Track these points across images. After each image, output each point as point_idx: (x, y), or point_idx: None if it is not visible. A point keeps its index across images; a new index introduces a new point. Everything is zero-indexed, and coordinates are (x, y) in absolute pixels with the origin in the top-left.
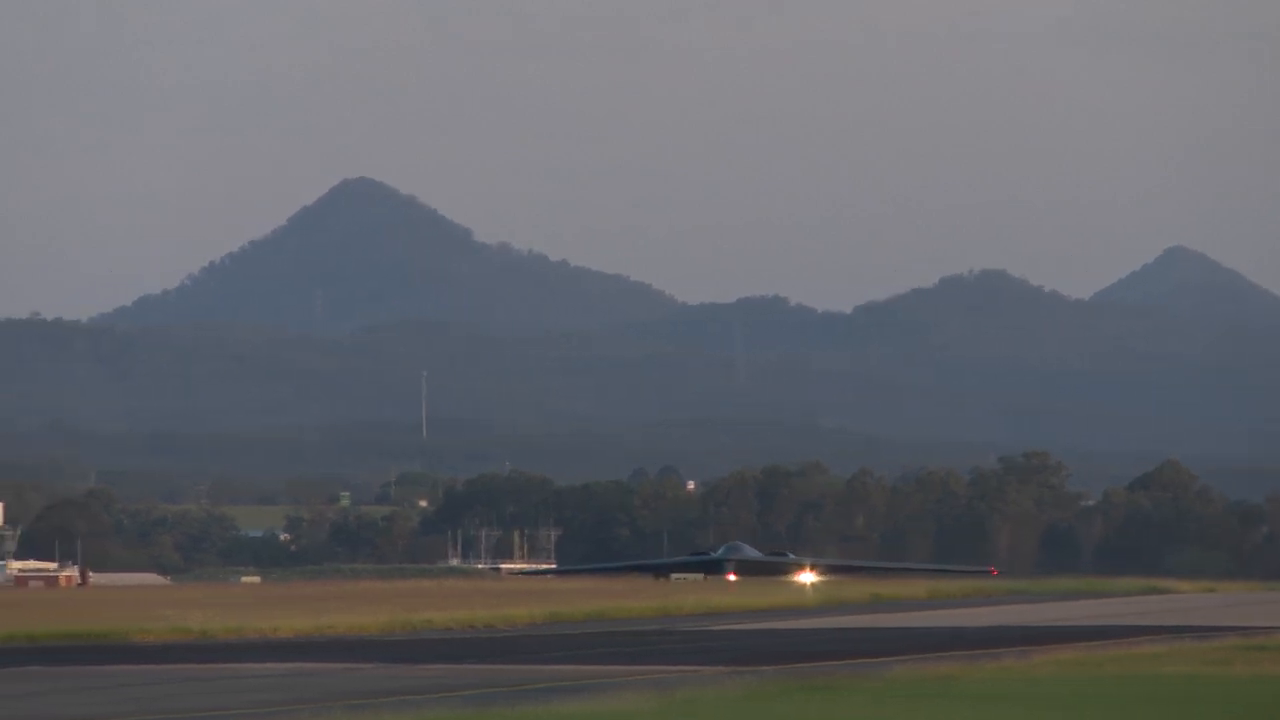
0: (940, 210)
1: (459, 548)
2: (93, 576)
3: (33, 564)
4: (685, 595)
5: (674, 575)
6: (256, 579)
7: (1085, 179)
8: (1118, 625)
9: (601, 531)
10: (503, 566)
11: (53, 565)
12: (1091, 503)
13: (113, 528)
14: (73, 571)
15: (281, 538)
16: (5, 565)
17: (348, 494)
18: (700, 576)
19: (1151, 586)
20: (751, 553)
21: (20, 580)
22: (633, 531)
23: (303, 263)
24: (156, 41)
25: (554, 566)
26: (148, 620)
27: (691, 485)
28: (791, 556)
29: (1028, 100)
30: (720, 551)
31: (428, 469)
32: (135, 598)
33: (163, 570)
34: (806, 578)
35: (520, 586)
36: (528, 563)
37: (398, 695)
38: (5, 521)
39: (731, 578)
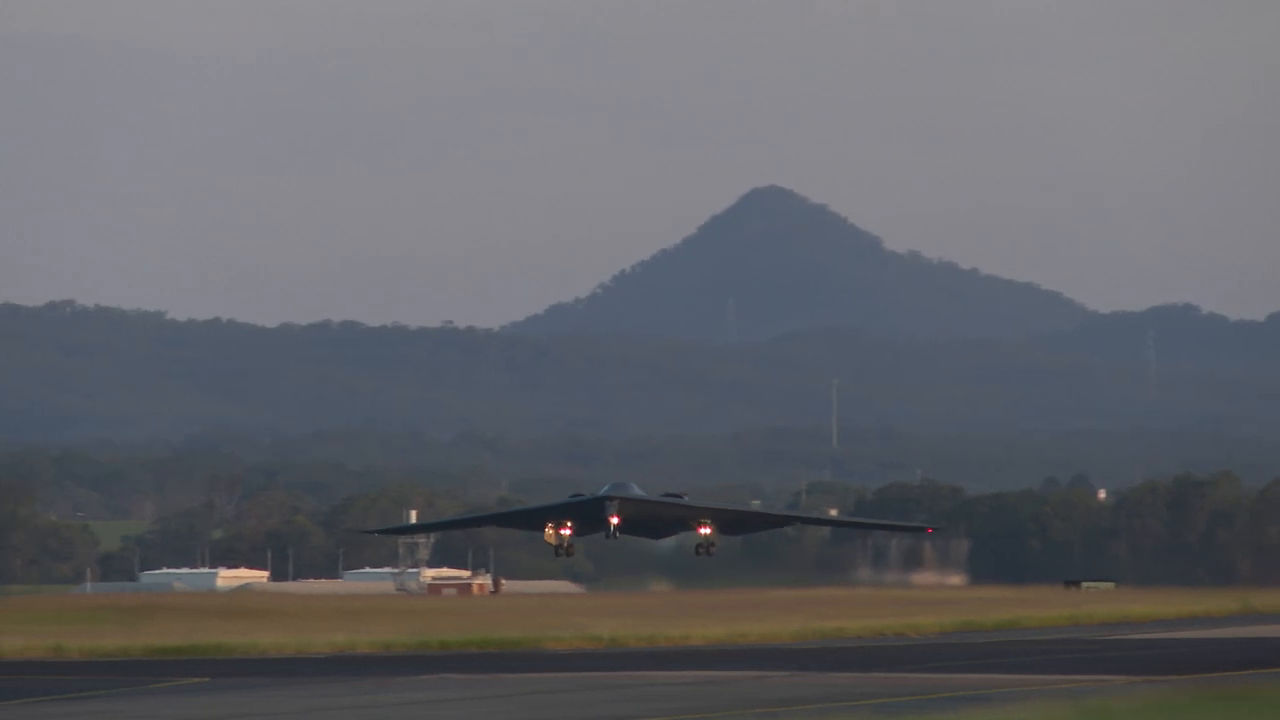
0: None
1: (870, 557)
2: (505, 584)
3: (446, 572)
4: (1097, 604)
5: (551, 524)
6: (667, 587)
7: None
8: None
9: (1013, 542)
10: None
11: (466, 573)
12: None
13: (524, 536)
14: (486, 579)
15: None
16: (419, 573)
17: (758, 502)
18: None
19: None
20: (637, 492)
21: (434, 588)
22: (1043, 542)
23: (713, 271)
24: (560, 54)
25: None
26: (559, 628)
27: (1102, 494)
28: (686, 499)
29: None
30: (602, 491)
31: (838, 477)
32: (547, 605)
33: (574, 578)
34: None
35: (931, 596)
36: (937, 574)
37: (807, 704)
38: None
39: (614, 521)
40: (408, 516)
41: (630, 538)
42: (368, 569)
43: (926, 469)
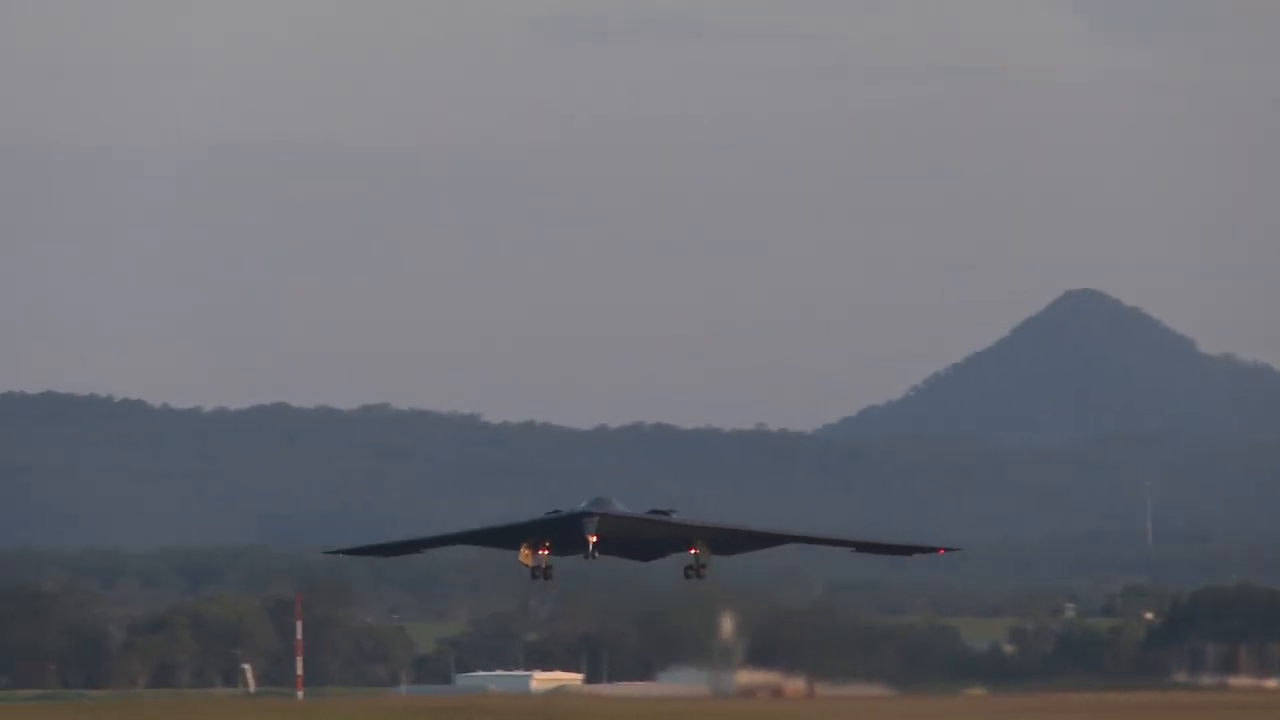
0: None
1: (1186, 660)
2: (819, 688)
3: (761, 676)
4: None
5: (527, 544)
6: (981, 691)
7: None
8: None
9: None
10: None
11: (779, 676)
12: None
13: (838, 639)
14: (799, 683)
15: (1005, 650)
16: (732, 675)
17: (1073, 605)
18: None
19: None
20: (620, 508)
21: (748, 691)
22: None
23: (1025, 373)
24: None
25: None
26: None
27: None
28: (675, 514)
29: None
30: (582, 507)
31: (1153, 580)
32: (856, 710)
33: (887, 682)
34: None
35: (1249, 700)
36: (1254, 677)
37: None
38: (734, 632)
39: (593, 540)
40: (719, 622)
41: (613, 559)
42: (681, 670)
43: (1242, 572)
